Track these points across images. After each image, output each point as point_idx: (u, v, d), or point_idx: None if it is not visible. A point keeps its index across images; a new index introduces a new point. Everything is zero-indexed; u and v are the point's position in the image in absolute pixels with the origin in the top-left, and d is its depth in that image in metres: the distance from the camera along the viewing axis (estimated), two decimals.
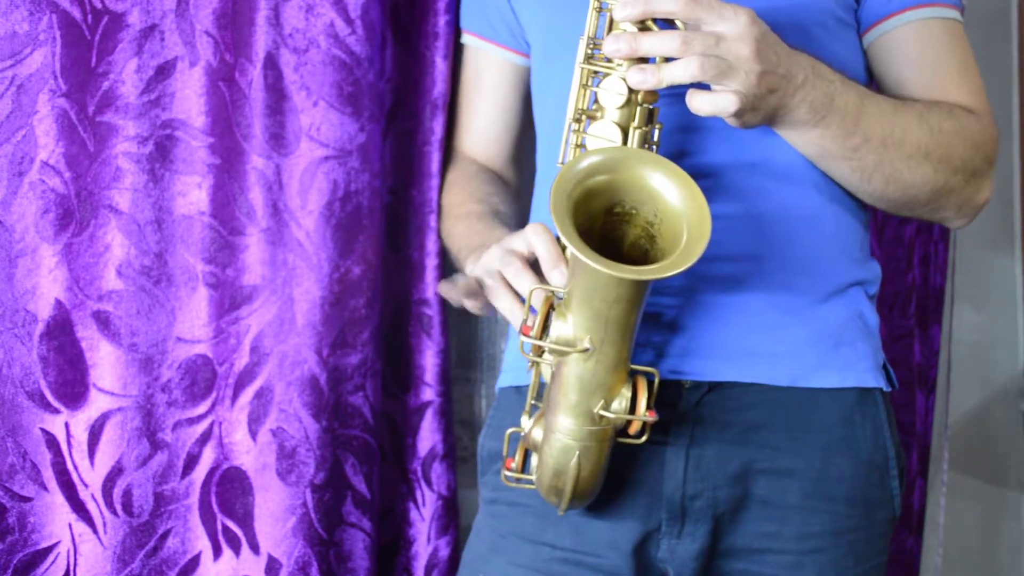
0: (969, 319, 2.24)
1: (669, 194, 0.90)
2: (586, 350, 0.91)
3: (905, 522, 1.92)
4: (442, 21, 1.31)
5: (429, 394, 1.34)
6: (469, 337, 1.55)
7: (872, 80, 1.14)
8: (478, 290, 1.03)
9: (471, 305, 1.05)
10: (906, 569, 1.94)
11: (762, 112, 0.94)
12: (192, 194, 1.16)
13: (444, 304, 1.34)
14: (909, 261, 1.88)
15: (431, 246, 1.33)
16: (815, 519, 1.06)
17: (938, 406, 2.05)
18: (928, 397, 1.97)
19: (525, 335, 0.93)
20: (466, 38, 1.29)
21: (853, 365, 1.08)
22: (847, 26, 1.10)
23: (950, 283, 2.05)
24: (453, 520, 1.37)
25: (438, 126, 1.31)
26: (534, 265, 0.99)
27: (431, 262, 1.33)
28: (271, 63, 1.18)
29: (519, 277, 0.98)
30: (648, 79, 0.91)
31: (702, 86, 0.94)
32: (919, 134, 1.01)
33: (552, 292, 0.95)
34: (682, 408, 1.04)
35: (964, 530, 2.23)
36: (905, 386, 1.90)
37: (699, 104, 0.91)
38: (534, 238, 0.98)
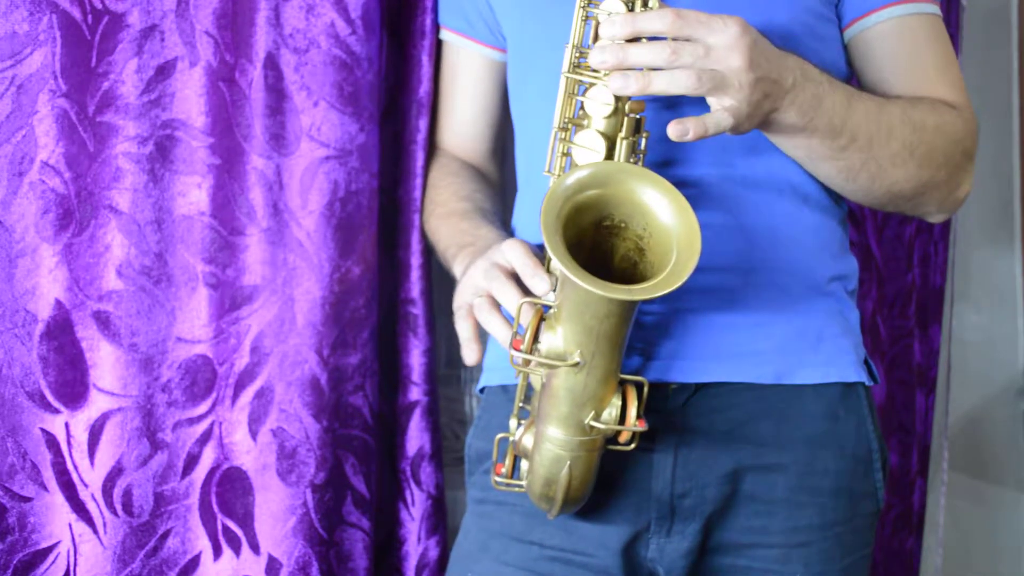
0: (969, 319, 2.24)
1: (658, 208, 0.90)
2: (577, 364, 0.91)
3: (905, 522, 1.92)
4: (428, 19, 1.30)
5: (416, 393, 1.34)
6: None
7: (852, 73, 1.14)
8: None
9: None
10: (906, 569, 1.94)
11: (756, 118, 0.94)
12: (192, 194, 1.16)
13: (429, 303, 1.34)
14: (909, 261, 1.88)
15: (416, 245, 1.32)
16: (802, 513, 1.07)
17: (938, 406, 2.05)
18: (928, 397, 1.97)
19: (516, 349, 0.93)
20: (444, 34, 1.28)
21: (835, 360, 1.09)
22: (828, 21, 1.10)
23: (950, 283, 2.06)
24: (442, 520, 1.37)
25: (423, 125, 1.31)
26: (518, 278, 0.99)
27: (416, 261, 1.33)
28: (271, 63, 1.18)
29: (504, 290, 0.98)
30: (630, 85, 0.89)
31: (685, 103, 0.94)
32: (903, 132, 1.02)
33: (541, 304, 0.95)
34: (669, 410, 1.05)
35: (964, 530, 2.23)
36: (905, 386, 1.90)
37: (696, 129, 0.89)
38: (510, 253, 0.99)
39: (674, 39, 0.89)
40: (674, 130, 0.89)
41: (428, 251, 1.32)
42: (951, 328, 2.10)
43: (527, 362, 0.93)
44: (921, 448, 1.94)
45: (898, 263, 1.86)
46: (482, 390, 1.20)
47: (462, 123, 1.29)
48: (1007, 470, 2.32)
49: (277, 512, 1.20)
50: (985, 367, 2.28)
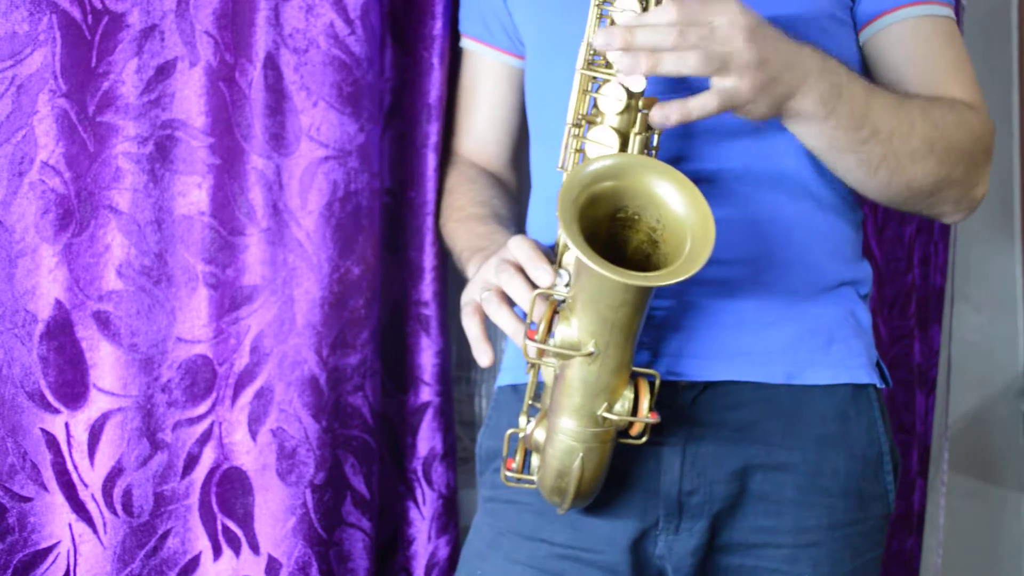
0: (969, 319, 2.24)
1: (672, 200, 0.90)
2: (591, 354, 0.92)
3: (905, 522, 1.92)
4: (439, 24, 1.31)
5: (428, 394, 1.34)
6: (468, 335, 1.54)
7: (868, 77, 1.14)
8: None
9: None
10: (906, 569, 1.94)
11: (768, 102, 0.93)
12: (192, 194, 1.16)
13: (442, 304, 1.35)
14: (909, 261, 1.88)
15: (429, 247, 1.33)
16: (811, 513, 1.07)
17: (938, 406, 2.06)
18: (928, 397, 1.97)
19: (530, 339, 0.93)
20: (464, 42, 1.29)
21: (846, 362, 1.09)
22: (844, 24, 1.10)
23: (950, 283, 2.05)
24: (453, 519, 1.37)
25: (434, 129, 1.31)
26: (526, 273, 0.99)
27: (429, 263, 1.33)
28: (271, 63, 1.18)
29: (514, 283, 0.98)
30: (641, 64, 0.89)
31: (693, 87, 0.94)
32: (924, 127, 1.02)
33: (554, 296, 0.95)
34: (678, 407, 1.05)
35: (964, 530, 2.23)
36: (905, 386, 1.90)
37: (679, 112, 0.90)
38: (514, 248, 0.99)
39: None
40: (656, 115, 0.90)
41: (442, 253, 1.33)
42: (951, 328, 2.10)
43: (541, 353, 0.94)
44: (921, 448, 1.94)
45: (898, 263, 1.86)
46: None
47: (481, 130, 1.30)
48: (1007, 470, 2.32)
49: (277, 512, 1.20)
50: (985, 367, 2.28)
